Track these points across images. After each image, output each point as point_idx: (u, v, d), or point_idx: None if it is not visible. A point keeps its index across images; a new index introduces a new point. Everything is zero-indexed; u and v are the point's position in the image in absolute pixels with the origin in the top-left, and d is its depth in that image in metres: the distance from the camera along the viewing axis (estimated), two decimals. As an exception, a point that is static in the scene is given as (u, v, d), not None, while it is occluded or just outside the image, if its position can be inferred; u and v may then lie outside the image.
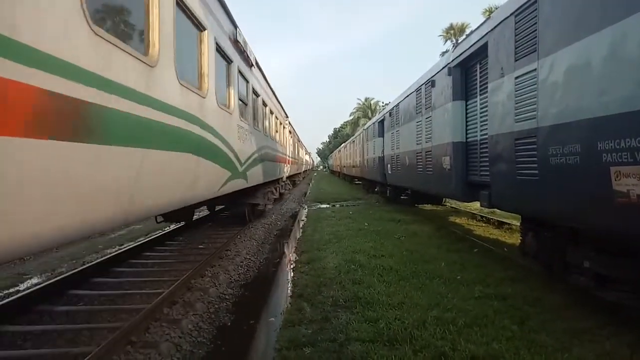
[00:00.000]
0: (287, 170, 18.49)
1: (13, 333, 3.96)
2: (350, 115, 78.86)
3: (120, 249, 7.97)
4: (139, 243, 8.01)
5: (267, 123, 12.10)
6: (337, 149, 50.22)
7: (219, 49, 6.36)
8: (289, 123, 21.33)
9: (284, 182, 18.24)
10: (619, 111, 3.32)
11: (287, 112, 19.54)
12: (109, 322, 4.27)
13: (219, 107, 6.19)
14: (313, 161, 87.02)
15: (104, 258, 6.81)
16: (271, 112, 13.21)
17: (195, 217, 11.04)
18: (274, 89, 13.99)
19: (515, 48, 5.08)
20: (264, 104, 11.63)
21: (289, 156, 19.73)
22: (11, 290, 5.81)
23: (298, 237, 9.09)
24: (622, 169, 3.27)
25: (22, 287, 5.96)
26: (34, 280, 6.31)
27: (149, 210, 3.91)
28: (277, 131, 14.73)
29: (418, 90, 10.14)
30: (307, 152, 55.61)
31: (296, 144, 28.20)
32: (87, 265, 6.33)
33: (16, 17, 2.06)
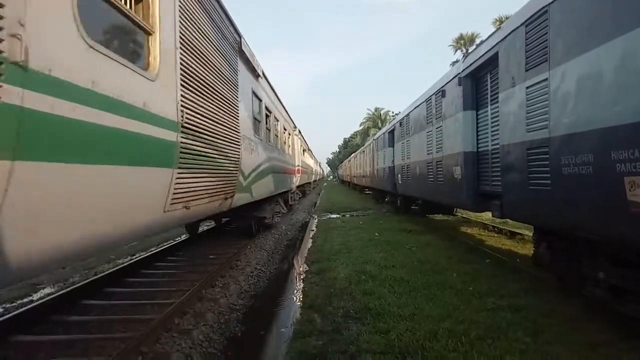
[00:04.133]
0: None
1: (26, 343, 4.00)
2: (360, 125, 79.05)
3: (132, 259, 8.04)
4: (151, 253, 8.07)
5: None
6: (347, 159, 50.21)
7: None
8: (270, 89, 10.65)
9: None
10: (633, 120, 3.28)
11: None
12: (122, 332, 4.29)
13: None
14: (323, 171, 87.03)
15: (115, 268, 6.87)
16: None
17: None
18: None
19: (526, 58, 5.07)
20: None
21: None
22: (25, 300, 5.89)
23: (308, 247, 9.07)
24: (636, 179, 3.22)
25: (35, 297, 6.03)
26: (47, 290, 6.38)
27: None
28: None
29: (428, 100, 10.13)
30: (316, 161, 49.15)
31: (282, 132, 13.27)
32: (100, 275, 6.40)
33: None
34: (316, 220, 14.38)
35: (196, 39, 4.63)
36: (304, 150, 25.25)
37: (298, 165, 18.93)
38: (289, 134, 15.56)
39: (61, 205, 2.41)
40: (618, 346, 3.64)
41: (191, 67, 4.41)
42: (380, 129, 34.80)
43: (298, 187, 20.76)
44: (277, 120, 12.15)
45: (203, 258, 7.86)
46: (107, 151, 2.77)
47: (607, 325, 4.10)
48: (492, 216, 6.65)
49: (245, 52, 7.20)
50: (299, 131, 20.64)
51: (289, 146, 15.57)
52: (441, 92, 8.92)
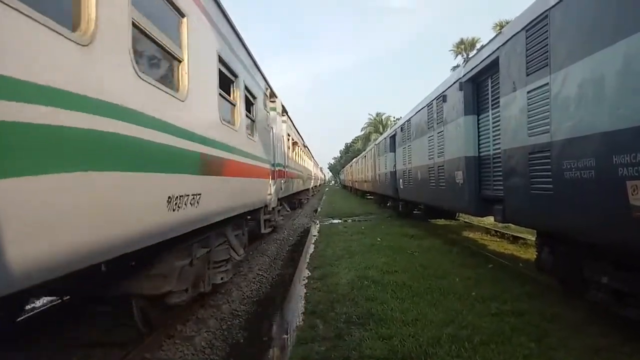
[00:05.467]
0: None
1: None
2: (361, 130, 79.13)
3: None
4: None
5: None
6: (349, 164, 50.20)
7: None
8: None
9: None
10: (635, 124, 3.28)
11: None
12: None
13: None
14: (325, 176, 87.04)
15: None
16: None
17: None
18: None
19: (527, 63, 5.08)
20: None
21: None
22: (27, 307, 5.87)
23: (310, 252, 9.06)
24: (639, 183, 3.22)
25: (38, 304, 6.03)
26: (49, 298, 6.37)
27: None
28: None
29: (429, 105, 10.15)
30: (317, 164, 45.73)
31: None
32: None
33: None
34: (318, 226, 14.36)
35: None
36: (294, 144, 17.09)
37: (280, 165, 11.21)
38: (254, 98, 7.78)
39: None
40: (621, 350, 3.62)
41: None
42: (381, 134, 34.81)
43: (286, 198, 13.74)
44: (209, 43, 4.79)
45: None
46: None
47: (610, 329, 4.08)
48: (494, 221, 6.64)
49: None
50: (284, 108, 13.02)
51: (258, 121, 7.88)
52: (442, 97, 8.93)
